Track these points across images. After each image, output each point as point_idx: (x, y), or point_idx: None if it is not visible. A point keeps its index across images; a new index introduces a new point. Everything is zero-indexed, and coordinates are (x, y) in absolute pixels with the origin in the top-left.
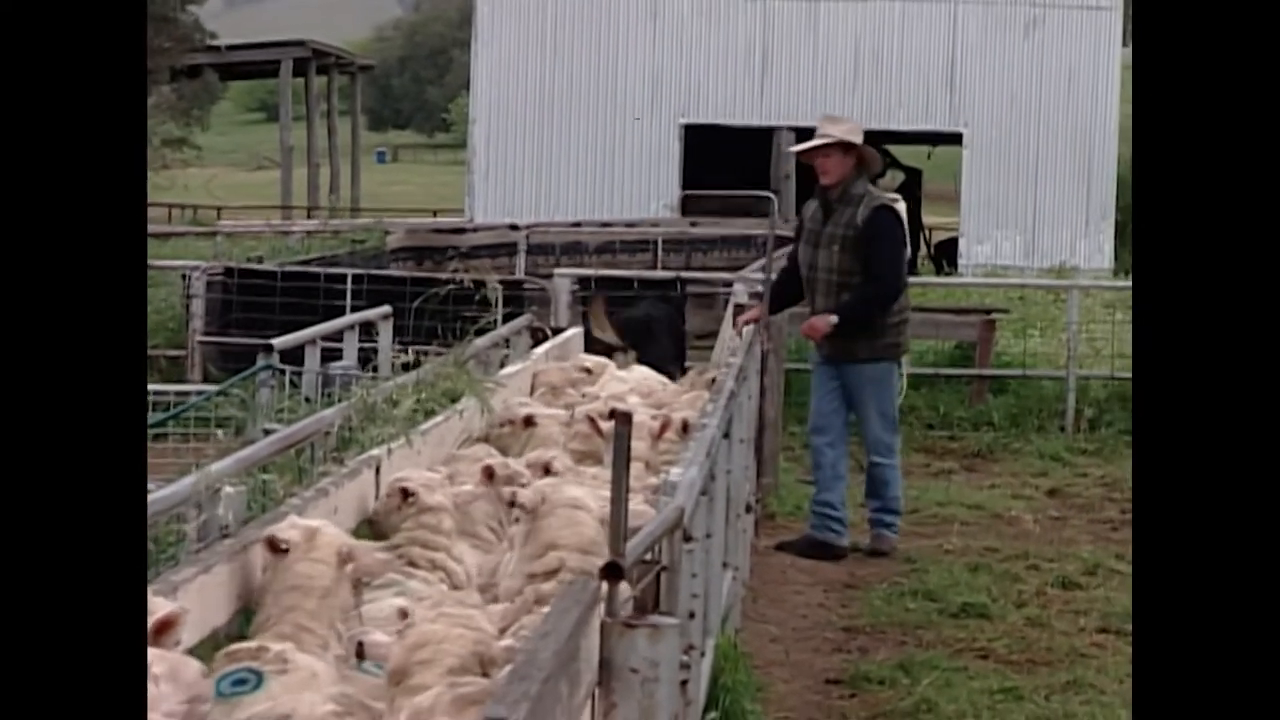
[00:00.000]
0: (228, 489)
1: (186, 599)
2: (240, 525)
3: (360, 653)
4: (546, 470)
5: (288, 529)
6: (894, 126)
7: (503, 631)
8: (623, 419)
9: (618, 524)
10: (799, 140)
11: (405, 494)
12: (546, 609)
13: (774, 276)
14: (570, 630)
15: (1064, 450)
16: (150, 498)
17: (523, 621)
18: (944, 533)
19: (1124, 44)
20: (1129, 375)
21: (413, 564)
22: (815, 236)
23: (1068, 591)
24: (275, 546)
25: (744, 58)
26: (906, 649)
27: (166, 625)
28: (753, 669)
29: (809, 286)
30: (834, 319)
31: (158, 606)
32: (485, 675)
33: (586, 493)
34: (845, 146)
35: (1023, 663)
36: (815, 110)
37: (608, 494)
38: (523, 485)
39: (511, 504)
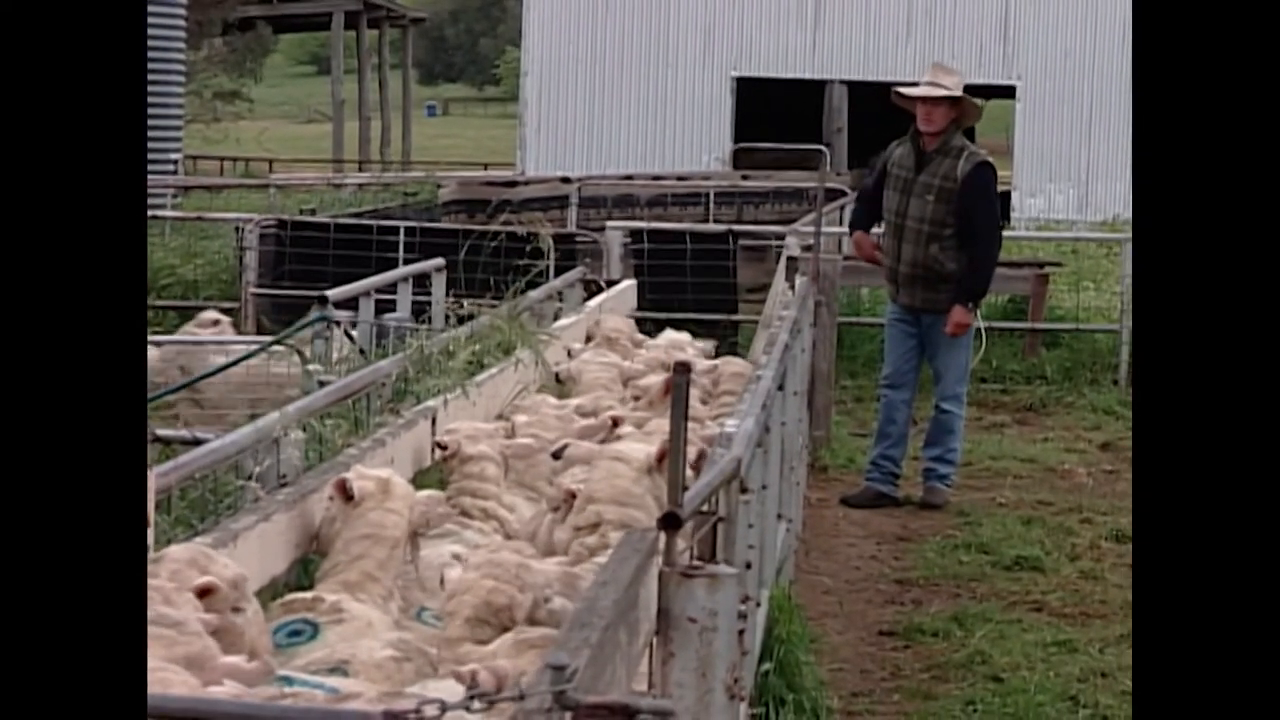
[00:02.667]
0: (288, 438)
1: (246, 547)
2: (299, 474)
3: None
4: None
5: (358, 478)
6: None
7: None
8: (681, 369)
9: (676, 475)
10: (851, 93)
11: (441, 447)
12: (588, 563)
13: (843, 229)
14: (629, 579)
15: (1117, 404)
16: (209, 446)
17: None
18: (997, 486)
19: None
20: None
21: (466, 514)
22: (905, 184)
23: (1121, 545)
24: (345, 492)
25: (796, 10)
26: (960, 601)
27: (207, 591)
28: (807, 621)
29: (894, 233)
30: (970, 304)
31: (215, 566)
32: (505, 628)
33: (631, 444)
34: (956, 100)
35: (1076, 615)
36: (867, 63)
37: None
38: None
39: (556, 455)
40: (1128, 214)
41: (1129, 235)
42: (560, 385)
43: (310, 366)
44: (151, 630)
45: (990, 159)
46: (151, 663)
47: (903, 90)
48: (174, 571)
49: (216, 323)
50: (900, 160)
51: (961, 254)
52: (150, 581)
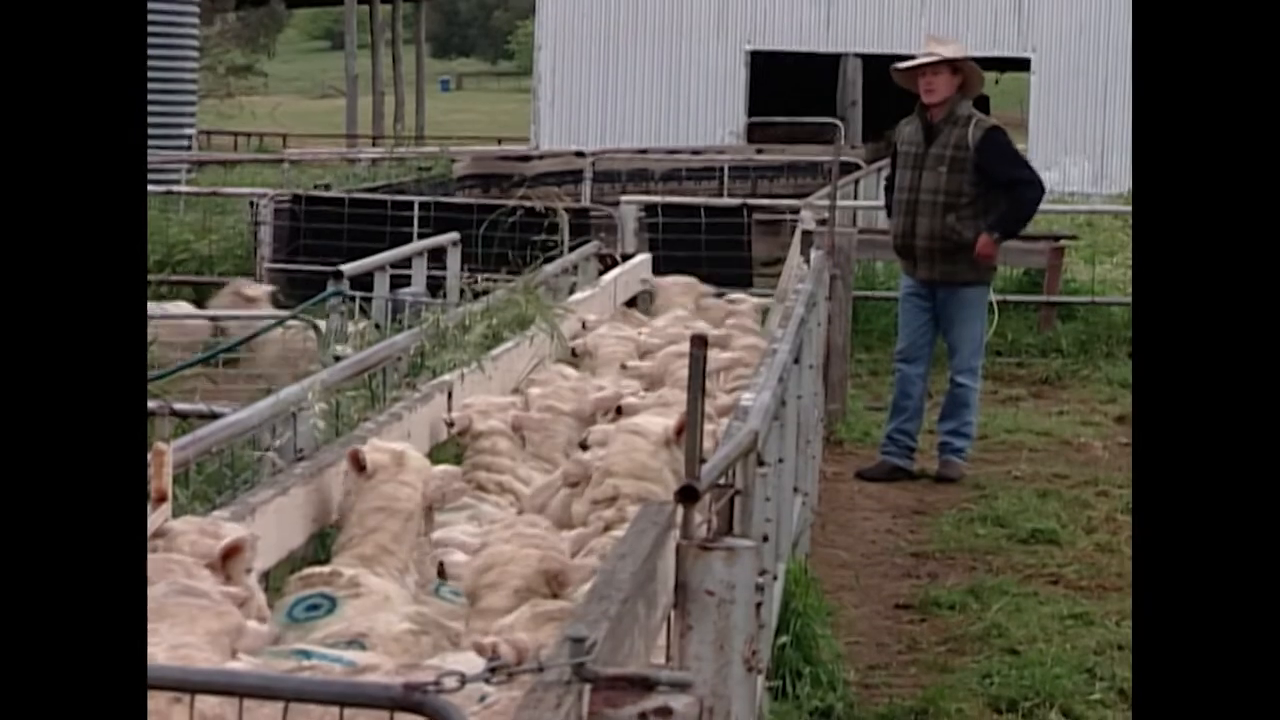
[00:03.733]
0: (305, 412)
1: (264, 521)
2: (316, 448)
3: (441, 572)
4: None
5: (372, 450)
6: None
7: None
8: (698, 342)
9: (693, 448)
10: (865, 67)
11: (449, 424)
12: (607, 535)
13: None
14: (647, 552)
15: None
16: (226, 420)
17: (591, 545)
18: (1012, 459)
19: None
20: None
21: (481, 488)
22: (916, 159)
23: None
24: (359, 464)
25: None
26: (976, 574)
27: (233, 551)
28: (823, 594)
29: (906, 209)
30: (996, 234)
31: (226, 532)
32: (555, 595)
33: (649, 418)
34: (954, 66)
35: (1093, 588)
36: (882, 37)
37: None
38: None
39: (583, 445)
40: None
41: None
42: (576, 359)
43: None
44: (181, 603)
45: (998, 124)
46: (181, 636)
47: (899, 65)
48: (192, 543)
49: (252, 300)
50: (909, 137)
51: (979, 221)
52: (172, 556)
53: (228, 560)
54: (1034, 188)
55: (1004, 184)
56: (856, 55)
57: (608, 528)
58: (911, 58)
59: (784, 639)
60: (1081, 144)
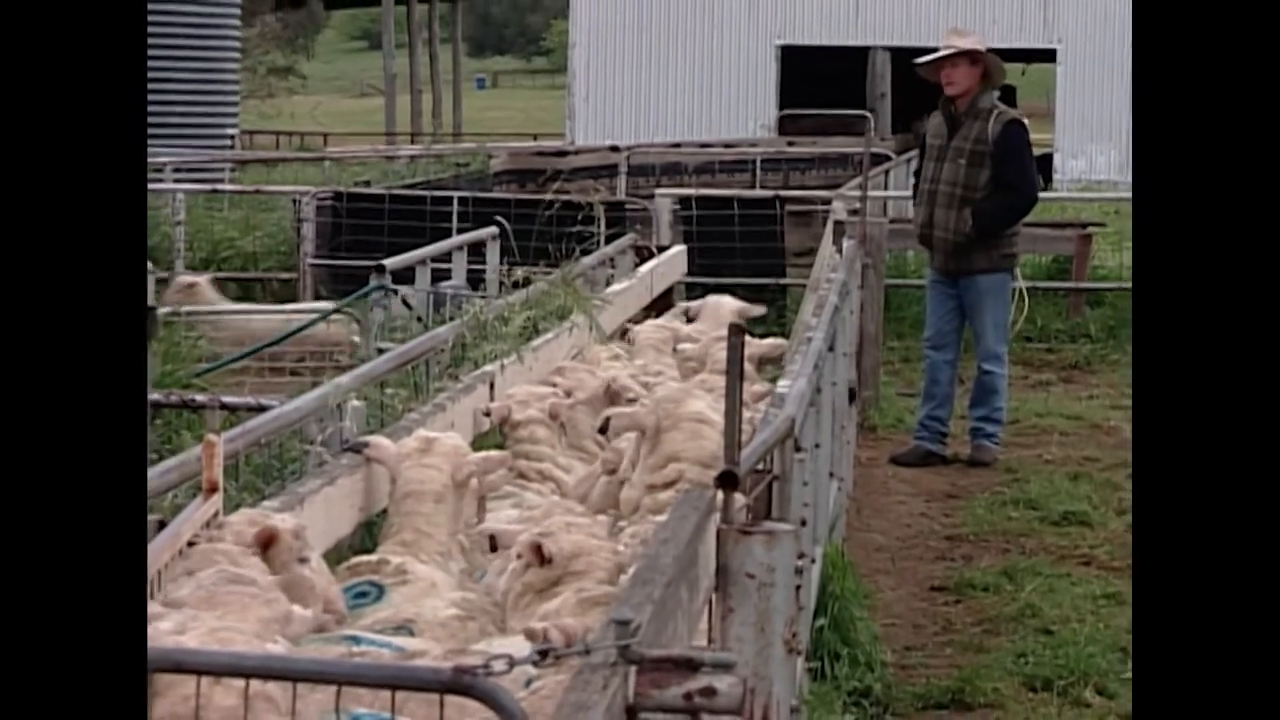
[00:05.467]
0: (352, 403)
1: (311, 510)
2: (355, 439)
3: (493, 545)
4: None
5: (409, 440)
6: (988, 45)
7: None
8: (736, 331)
9: (732, 434)
10: (894, 60)
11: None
12: (662, 518)
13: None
14: (688, 536)
15: None
16: (274, 413)
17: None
18: (1043, 443)
19: None
20: None
21: (523, 476)
22: (940, 151)
23: None
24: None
25: None
26: (1009, 556)
27: (268, 541)
28: (860, 577)
29: (926, 200)
30: (970, 227)
31: (274, 522)
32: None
33: (709, 406)
34: (973, 58)
35: (1125, 568)
36: (910, 30)
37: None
38: (631, 400)
39: (603, 429)
40: None
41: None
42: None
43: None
44: (232, 592)
45: (1022, 117)
46: (225, 622)
47: (921, 60)
48: (238, 534)
49: (192, 286)
50: (935, 129)
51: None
52: (219, 546)
53: (268, 549)
54: (1022, 197)
55: (1000, 183)
56: (885, 48)
57: (658, 510)
58: (937, 50)
59: (822, 621)
60: (1108, 133)
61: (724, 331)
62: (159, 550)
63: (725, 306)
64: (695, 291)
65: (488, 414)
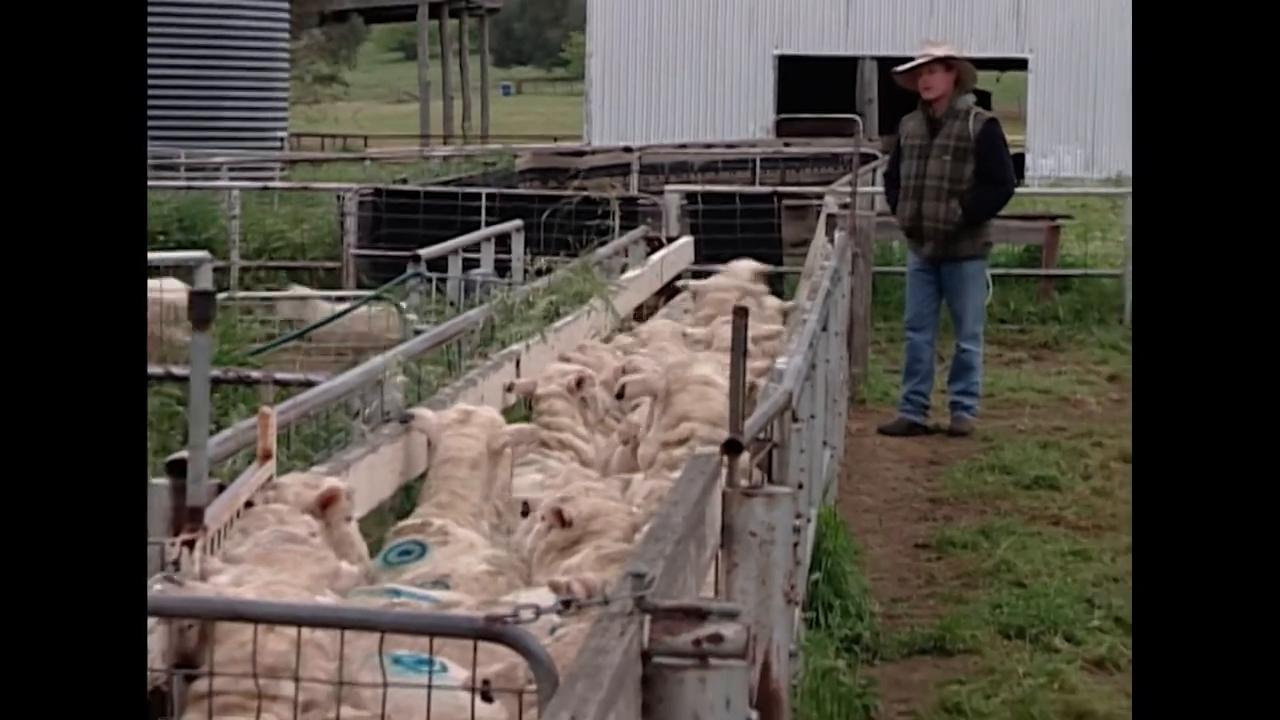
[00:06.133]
0: (393, 379)
1: (356, 476)
2: (402, 411)
3: (525, 510)
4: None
5: (449, 411)
6: (966, 54)
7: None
8: (740, 313)
9: (736, 407)
10: (880, 68)
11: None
12: (674, 475)
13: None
14: (696, 498)
15: (1122, 340)
16: (321, 388)
17: (655, 484)
18: (1016, 414)
19: None
20: None
21: (545, 445)
22: (922, 150)
23: (1128, 465)
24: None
25: None
26: (986, 517)
27: (330, 500)
28: (850, 535)
29: (913, 195)
30: (959, 216)
31: (326, 485)
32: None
33: (715, 370)
34: (947, 64)
35: (1090, 528)
36: (895, 41)
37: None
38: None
39: (619, 395)
40: (1129, 171)
41: (1130, 190)
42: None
43: (408, 317)
44: (286, 550)
45: (995, 117)
46: (280, 576)
47: (899, 69)
48: (293, 496)
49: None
50: (913, 131)
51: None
52: (273, 507)
53: (326, 508)
54: (1002, 188)
55: (983, 176)
56: (873, 58)
57: (672, 466)
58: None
59: (817, 575)
60: (1074, 134)
61: (728, 315)
62: (219, 511)
63: (743, 266)
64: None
65: (510, 388)
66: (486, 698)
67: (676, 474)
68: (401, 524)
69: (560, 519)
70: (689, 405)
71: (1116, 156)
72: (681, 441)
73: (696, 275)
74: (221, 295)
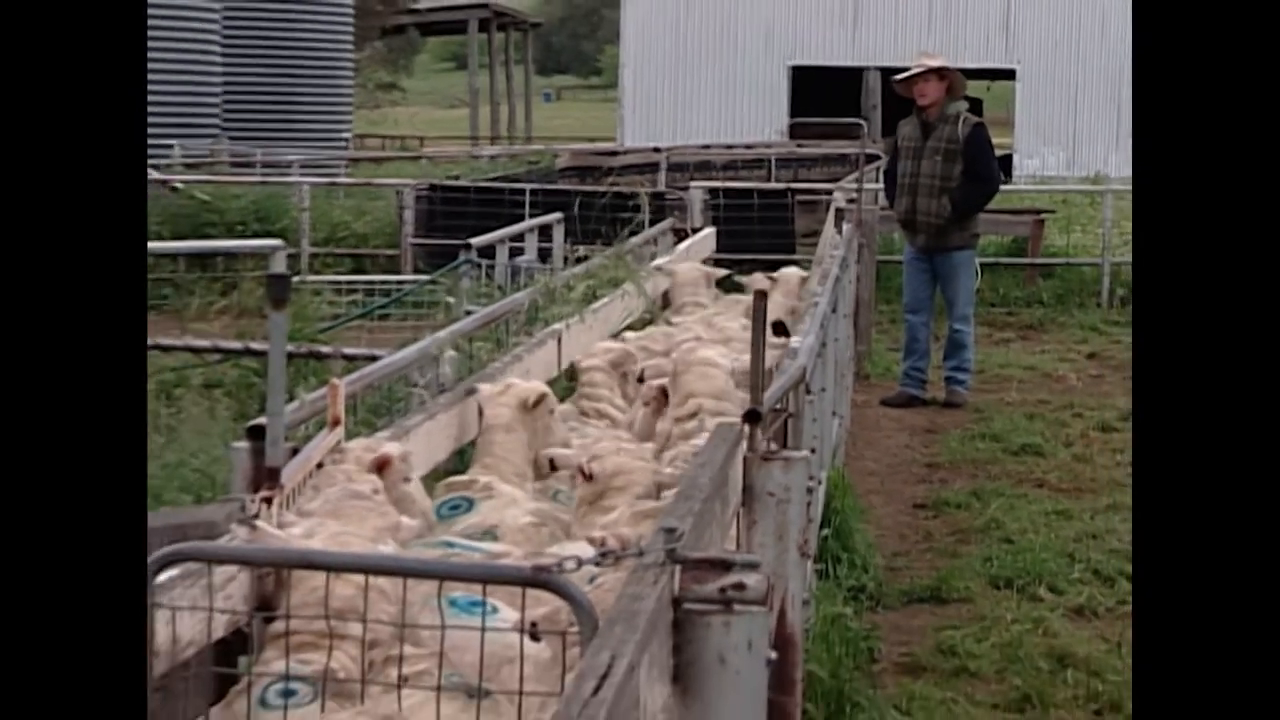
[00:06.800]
0: (447, 354)
1: (415, 441)
2: (455, 383)
3: (553, 466)
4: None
5: (497, 384)
6: (959, 65)
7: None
8: (760, 296)
9: (756, 381)
10: (883, 78)
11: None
12: (691, 442)
13: (878, 182)
14: (721, 462)
15: (1100, 322)
16: (384, 362)
17: (679, 450)
18: (1005, 388)
19: None
20: None
21: (584, 414)
22: (916, 150)
23: (1106, 434)
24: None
25: (839, 11)
26: (978, 480)
27: (383, 464)
28: (856, 496)
29: (909, 191)
30: (949, 210)
31: (386, 449)
32: (658, 498)
33: (717, 353)
34: (940, 74)
35: (1071, 490)
36: (896, 53)
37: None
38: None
39: (640, 379)
40: (1107, 170)
41: (1108, 188)
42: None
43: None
44: (352, 505)
45: (982, 122)
46: (347, 529)
47: (897, 78)
48: (357, 458)
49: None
50: (909, 135)
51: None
52: (339, 468)
53: (381, 471)
54: (988, 184)
55: (971, 175)
56: (876, 68)
57: (687, 437)
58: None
59: (826, 531)
60: (1057, 137)
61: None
62: (293, 471)
63: (794, 275)
64: (722, 266)
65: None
66: (534, 638)
67: (694, 443)
68: (450, 480)
69: (583, 474)
70: (694, 384)
71: (1095, 157)
72: (691, 415)
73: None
74: (295, 278)
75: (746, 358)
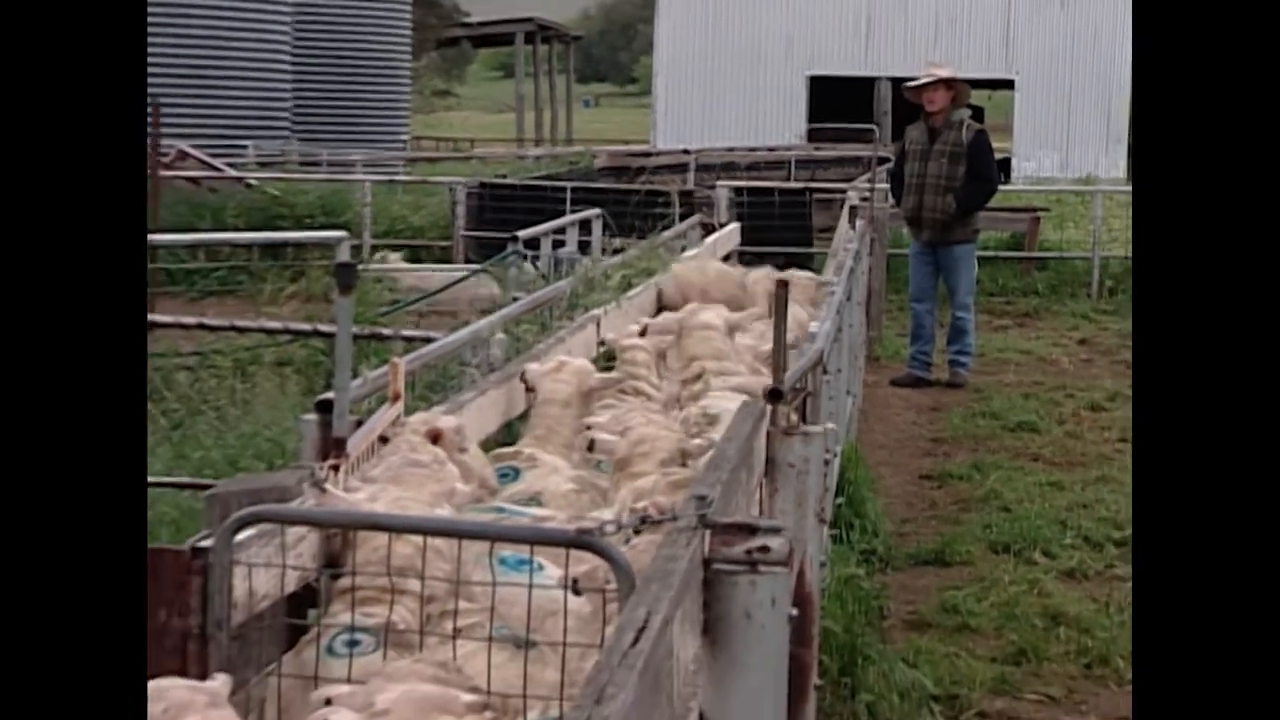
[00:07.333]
0: (497, 336)
1: (468, 414)
2: (503, 363)
3: (590, 446)
4: None
5: (550, 360)
6: (963, 75)
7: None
8: (781, 284)
9: (779, 362)
10: (895, 87)
11: (601, 344)
12: (700, 404)
13: (886, 182)
14: (746, 436)
15: (1090, 311)
16: (439, 343)
17: (689, 411)
18: (1003, 370)
19: None
20: None
21: (623, 391)
22: (923, 153)
23: (1095, 412)
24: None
25: (853, 26)
26: (978, 454)
27: (436, 436)
28: (868, 467)
29: (915, 190)
30: (954, 208)
31: (442, 421)
32: (684, 465)
33: (713, 316)
34: (947, 84)
35: (1063, 463)
36: (905, 64)
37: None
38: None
39: (642, 333)
40: (1097, 172)
41: (1098, 188)
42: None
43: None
44: (412, 472)
45: (984, 128)
46: (407, 494)
47: (908, 85)
48: (414, 429)
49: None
50: (916, 138)
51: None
52: (404, 438)
53: (436, 442)
54: (988, 185)
55: (973, 176)
56: (887, 78)
57: (695, 398)
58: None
59: (841, 499)
60: (1052, 142)
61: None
62: (358, 441)
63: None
64: (745, 257)
65: (602, 343)
66: (576, 594)
67: (703, 404)
68: (499, 451)
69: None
70: (695, 347)
71: (1087, 160)
72: (696, 377)
73: (741, 257)
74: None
75: (738, 315)
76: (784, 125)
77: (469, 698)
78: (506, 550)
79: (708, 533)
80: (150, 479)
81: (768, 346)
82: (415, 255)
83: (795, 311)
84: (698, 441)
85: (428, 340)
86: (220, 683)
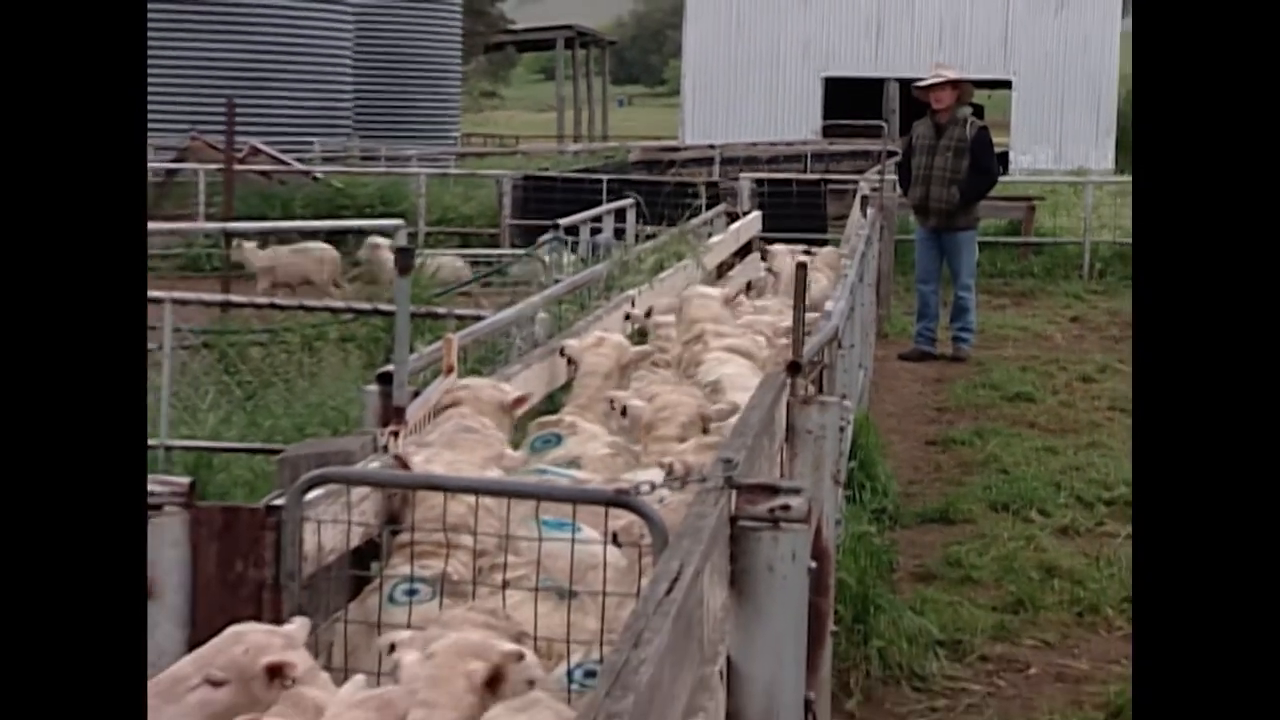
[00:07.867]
0: (540, 315)
1: (515, 385)
2: (547, 339)
3: (624, 412)
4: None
5: (590, 336)
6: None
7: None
8: (800, 268)
9: (798, 337)
10: (902, 87)
11: (627, 318)
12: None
13: (895, 174)
14: (769, 405)
15: (1082, 291)
16: (488, 320)
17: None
18: (1002, 345)
19: (1123, 16)
20: (1127, 241)
21: (654, 363)
22: (930, 147)
23: (1086, 384)
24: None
25: (864, 30)
26: (979, 422)
27: (519, 402)
28: (878, 434)
29: (922, 181)
30: (959, 199)
31: (507, 389)
32: (705, 430)
33: (709, 288)
34: (953, 84)
35: (1057, 430)
36: (912, 66)
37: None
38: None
39: (647, 314)
40: (1088, 165)
41: (1089, 179)
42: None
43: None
44: (465, 438)
45: (985, 125)
46: (460, 457)
47: (918, 85)
48: (476, 396)
49: None
50: (923, 134)
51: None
52: (457, 408)
53: (513, 409)
54: (989, 177)
55: (975, 169)
56: (895, 79)
57: (696, 361)
58: (927, 79)
59: (853, 463)
60: (1046, 137)
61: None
62: (415, 410)
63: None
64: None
65: (628, 316)
66: (615, 544)
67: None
68: (542, 419)
69: (623, 412)
70: (695, 311)
71: (1078, 154)
72: (697, 338)
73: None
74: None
75: (730, 288)
76: (801, 122)
77: (507, 646)
78: (548, 515)
79: (734, 493)
80: (226, 444)
81: (786, 323)
82: (465, 241)
83: (816, 277)
84: (718, 407)
85: (478, 318)
86: (297, 626)
